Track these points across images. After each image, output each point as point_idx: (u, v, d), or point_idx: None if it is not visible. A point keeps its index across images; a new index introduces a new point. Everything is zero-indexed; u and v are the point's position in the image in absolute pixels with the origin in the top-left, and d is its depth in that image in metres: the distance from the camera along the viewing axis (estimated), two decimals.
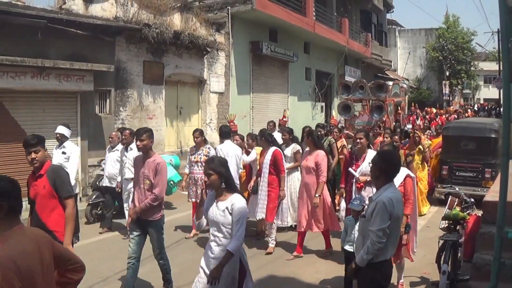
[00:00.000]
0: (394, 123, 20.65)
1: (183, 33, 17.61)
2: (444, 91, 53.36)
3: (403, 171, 7.65)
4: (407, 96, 53.48)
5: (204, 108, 20.06)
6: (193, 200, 11.34)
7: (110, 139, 12.10)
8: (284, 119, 17.51)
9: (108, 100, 15.66)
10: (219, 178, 5.51)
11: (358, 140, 8.99)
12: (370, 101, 19.54)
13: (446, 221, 8.09)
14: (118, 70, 15.79)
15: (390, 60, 47.20)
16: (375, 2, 39.24)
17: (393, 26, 55.68)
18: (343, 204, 9.79)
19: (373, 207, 5.39)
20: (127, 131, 11.44)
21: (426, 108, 39.85)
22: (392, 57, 51.78)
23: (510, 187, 5.01)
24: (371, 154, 8.59)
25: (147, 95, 17.03)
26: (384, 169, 5.55)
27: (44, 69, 12.96)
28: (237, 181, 10.04)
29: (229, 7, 20.74)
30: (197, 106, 19.98)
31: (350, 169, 8.97)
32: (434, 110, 36.07)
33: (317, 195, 9.56)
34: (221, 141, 11.35)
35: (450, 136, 15.25)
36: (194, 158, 11.33)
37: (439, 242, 7.92)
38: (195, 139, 11.34)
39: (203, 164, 10.83)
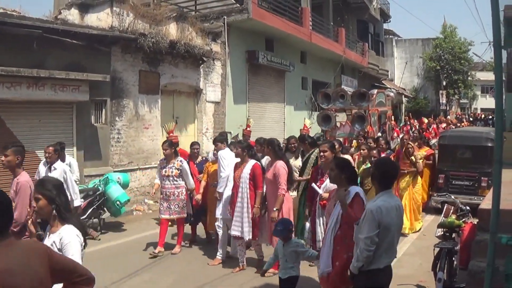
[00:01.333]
0: (380, 134, 18.90)
1: (179, 43, 17.63)
2: (441, 101, 53.50)
3: None
4: (403, 105, 53.92)
5: (200, 118, 20.05)
6: (164, 216, 10.78)
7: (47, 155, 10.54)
8: (248, 129, 16.55)
9: (104, 110, 15.65)
10: (49, 204, 4.45)
11: (322, 154, 8.22)
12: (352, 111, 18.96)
13: (442, 229, 8.16)
14: (114, 80, 15.78)
15: (387, 70, 47.37)
16: (372, 12, 39.33)
17: (390, 36, 55.82)
18: (307, 225, 8.87)
19: (364, 215, 5.46)
20: (51, 147, 10.44)
21: (418, 119, 39.67)
22: (389, 67, 51.92)
23: (504, 194, 5.04)
24: None
25: (143, 105, 17.02)
26: (377, 177, 5.63)
27: (39, 79, 12.97)
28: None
29: (225, 17, 20.76)
30: (193, 115, 19.98)
31: (313, 184, 8.32)
32: (426, 120, 35.47)
33: (275, 208, 8.99)
34: (218, 148, 10.71)
35: (446, 145, 15.32)
36: (165, 172, 10.76)
37: (434, 250, 7.98)
38: (164, 151, 10.79)
39: (175, 178, 10.76)
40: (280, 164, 9.16)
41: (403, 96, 51.94)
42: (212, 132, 20.43)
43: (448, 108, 56.04)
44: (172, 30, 17.96)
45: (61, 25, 13.82)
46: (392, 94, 23.80)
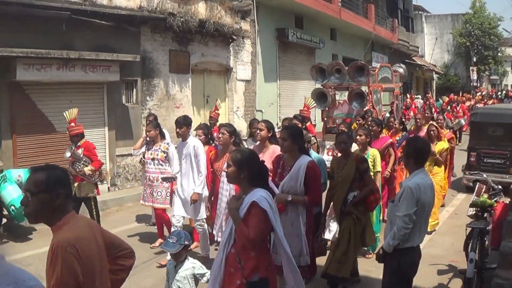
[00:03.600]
0: (388, 115, 16.18)
1: (208, 22, 17.22)
2: (472, 77, 52.46)
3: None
4: (433, 81, 52.89)
5: (231, 96, 19.68)
6: (147, 203, 9.68)
7: None
8: (215, 111, 13.93)
9: (134, 90, 15.41)
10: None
11: (281, 142, 6.64)
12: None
13: (474, 209, 7.84)
14: (144, 60, 15.51)
15: (417, 46, 46.41)
16: None
17: (420, 12, 54.64)
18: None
19: (401, 192, 5.38)
20: None
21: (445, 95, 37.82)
22: (419, 43, 50.81)
23: None
24: (304, 160, 6.36)
25: (173, 84, 16.73)
26: (411, 155, 5.50)
27: (69, 61, 12.74)
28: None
29: None
30: (224, 94, 19.60)
31: (270, 181, 6.31)
32: (446, 99, 33.26)
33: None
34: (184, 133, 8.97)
35: (478, 122, 14.78)
36: (151, 154, 9.47)
37: (466, 229, 7.73)
38: (147, 133, 9.50)
39: (160, 162, 9.25)
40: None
41: (433, 72, 51.02)
42: (243, 110, 20.11)
43: (478, 84, 54.91)
44: (201, 9, 17.55)
45: (90, 6, 13.53)
46: (401, 70, 19.51)
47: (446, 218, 11.86)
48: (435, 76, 53.40)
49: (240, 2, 19.91)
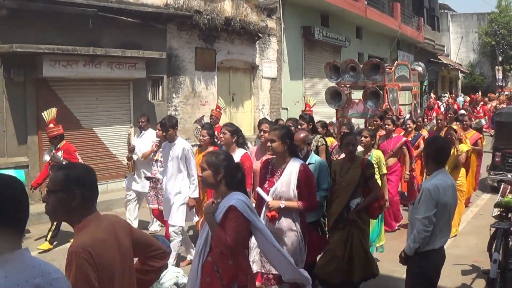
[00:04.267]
0: (408, 116, 14.86)
1: (234, 19, 17.06)
2: (497, 77, 51.71)
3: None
4: (459, 80, 52.27)
5: (257, 94, 19.47)
6: (152, 206, 9.47)
7: None
8: (217, 110, 13.48)
9: (160, 87, 15.32)
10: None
11: (269, 144, 5.94)
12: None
13: (498, 209, 7.64)
14: (170, 57, 15.41)
15: (443, 45, 45.83)
16: None
17: (445, 11, 54.01)
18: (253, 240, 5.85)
19: (420, 194, 5.24)
20: None
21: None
22: (445, 42, 50.14)
23: None
24: (295, 164, 5.78)
25: (199, 82, 16.59)
26: (431, 155, 5.34)
27: (96, 57, 12.68)
28: None
29: None
30: (250, 92, 19.42)
31: (258, 189, 6.02)
32: (468, 98, 32.28)
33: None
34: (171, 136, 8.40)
35: (503, 122, 14.49)
36: (155, 155, 9.35)
37: (490, 230, 7.55)
38: (164, 135, 8.67)
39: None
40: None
41: (459, 71, 50.41)
42: (269, 108, 19.89)
43: (504, 84, 54.11)
44: (227, 7, 17.38)
45: (116, 3, 13.46)
46: (419, 68, 18.15)
47: (470, 218, 11.67)
48: (460, 75, 52.75)
49: (266, 0, 19.72)
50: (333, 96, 14.77)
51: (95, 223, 3.15)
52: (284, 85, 20.86)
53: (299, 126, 8.73)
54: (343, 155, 7.69)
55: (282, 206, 5.65)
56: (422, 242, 5.11)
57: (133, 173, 10.04)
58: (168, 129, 8.25)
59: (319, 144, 8.49)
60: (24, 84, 11.93)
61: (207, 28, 16.18)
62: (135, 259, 3.53)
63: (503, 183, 8.56)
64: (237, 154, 7.36)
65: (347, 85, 15.16)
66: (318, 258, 6.71)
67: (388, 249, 8.83)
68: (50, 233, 9.27)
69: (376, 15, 27.21)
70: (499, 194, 8.12)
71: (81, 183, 3.12)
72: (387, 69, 14.79)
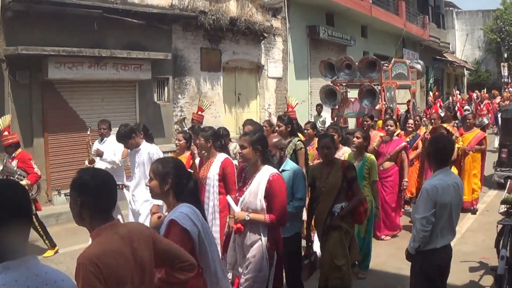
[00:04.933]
0: (403, 114, 14.89)
1: (239, 19, 16.97)
2: (503, 74, 51.45)
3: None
4: (464, 78, 52.01)
5: (262, 94, 19.38)
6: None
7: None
8: (199, 113, 12.72)
9: (166, 88, 15.25)
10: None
11: (239, 151, 5.79)
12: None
13: (505, 206, 7.53)
14: (176, 58, 15.33)
15: (448, 42, 45.62)
16: None
17: (450, 8, 53.75)
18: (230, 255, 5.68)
19: (420, 194, 5.24)
20: None
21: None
22: (450, 39, 49.91)
23: None
24: (265, 172, 5.25)
25: (205, 82, 16.51)
26: (432, 154, 5.37)
27: (101, 59, 12.61)
28: None
29: None
30: (255, 92, 19.33)
31: (228, 197, 5.75)
32: (466, 96, 31.13)
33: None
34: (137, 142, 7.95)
35: (509, 119, 14.36)
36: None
37: (497, 226, 7.49)
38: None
39: None
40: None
41: (464, 69, 50.21)
42: (275, 108, 19.77)
43: (510, 80, 53.85)
44: (232, 7, 17.29)
45: (121, 4, 13.39)
46: (418, 66, 17.36)
47: (477, 215, 11.60)
48: (466, 72, 52.52)
49: (271, 0, 19.65)
50: (328, 95, 14.43)
51: (108, 233, 3.02)
52: (289, 85, 20.77)
53: (276, 128, 8.30)
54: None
55: (247, 218, 5.15)
56: (422, 241, 5.10)
57: None
58: (125, 140, 7.92)
59: (297, 147, 8.01)
60: (30, 86, 11.89)
61: (212, 29, 16.10)
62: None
63: (509, 180, 8.53)
64: (217, 160, 7.03)
65: (343, 84, 14.75)
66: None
67: (397, 247, 8.93)
68: (45, 241, 9.04)
69: (381, 14, 27.11)
70: (505, 191, 8.07)
71: (82, 191, 3.01)
72: (384, 67, 14.40)
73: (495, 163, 14.21)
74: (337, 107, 14.54)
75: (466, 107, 23.29)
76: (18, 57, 11.33)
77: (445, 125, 11.45)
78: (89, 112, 12.94)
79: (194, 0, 15.73)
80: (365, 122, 10.96)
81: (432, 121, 12.08)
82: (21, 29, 11.53)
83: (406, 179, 9.67)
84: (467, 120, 12.67)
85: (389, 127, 9.95)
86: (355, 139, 8.04)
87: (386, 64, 14.89)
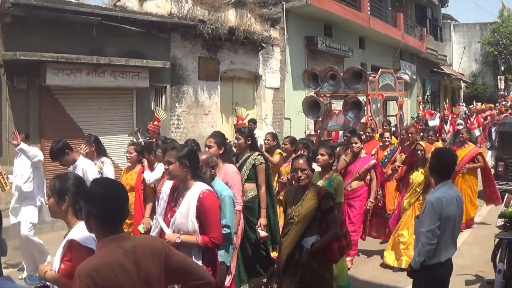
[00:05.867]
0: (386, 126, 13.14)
1: (238, 29, 17.04)
2: (499, 86, 51.59)
3: None
4: (461, 90, 52.11)
5: (260, 104, 19.39)
6: None
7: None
8: (155, 123, 11.63)
9: (164, 96, 15.27)
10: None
11: (165, 167, 5.21)
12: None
13: (503, 219, 7.60)
14: (174, 67, 15.37)
15: (445, 55, 45.76)
16: None
17: (448, 21, 53.92)
18: None
19: (424, 207, 5.25)
20: None
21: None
22: (448, 51, 50.05)
23: None
24: (196, 190, 4.81)
25: (202, 91, 16.54)
26: (435, 168, 5.35)
27: (99, 66, 12.63)
28: None
29: (284, 2, 19.99)
30: (253, 101, 19.34)
31: (159, 219, 5.13)
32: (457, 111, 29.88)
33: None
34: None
35: (506, 132, 14.43)
36: None
37: (495, 240, 7.60)
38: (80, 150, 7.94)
39: None
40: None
41: (461, 81, 50.33)
42: (271, 118, 19.82)
43: (506, 93, 53.99)
44: (231, 17, 17.35)
45: (120, 12, 13.46)
46: (406, 77, 16.88)
47: (473, 228, 11.59)
48: (463, 85, 52.64)
49: (269, 10, 19.71)
50: (311, 107, 13.55)
51: (112, 245, 2.99)
52: (287, 95, 20.79)
53: (235, 141, 7.49)
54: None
55: (178, 241, 4.70)
56: (427, 255, 5.07)
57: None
58: (59, 158, 7.52)
59: (257, 163, 7.15)
60: (27, 92, 11.88)
61: (210, 38, 16.13)
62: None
63: (507, 193, 8.54)
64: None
65: (327, 95, 13.92)
66: None
67: None
68: None
69: (379, 26, 27.14)
70: (503, 204, 8.10)
71: (88, 201, 3.04)
72: (370, 78, 13.73)
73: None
74: (320, 119, 13.71)
75: (459, 121, 23.07)
76: (16, 62, 11.34)
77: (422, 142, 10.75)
78: (86, 119, 12.97)
79: (193, 9, 15.77)
80: (345, 137, 10.36)
81: (409, 135, 10.75)
82: (19, 34, 11.54)
83: (371, 199, 8.83)
84: (461, 135, 11.83)
85: (354, 144, 8.89)
86: (319, 156, 7.10)
87: (373, 75, 14.28)
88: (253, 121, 14.26)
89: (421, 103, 30.12)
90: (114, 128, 13.54)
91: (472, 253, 9.64)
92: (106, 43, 13.24)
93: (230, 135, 17.67)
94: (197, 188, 4.78)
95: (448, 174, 5.33)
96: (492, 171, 13.67)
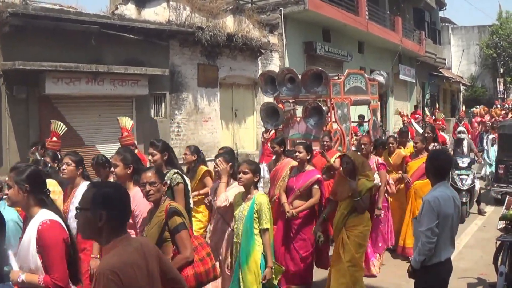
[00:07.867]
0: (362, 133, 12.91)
1: (236, 35, 17.11)
2: (498, 89, 51.61)
3: None
4: (460, 93, 52.10)
5: (259, 110, 19.36)
6: None
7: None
8: (54, 139, 10.14)
9: (163, 103, 15.33)
10: None
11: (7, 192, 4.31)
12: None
13: (504, 222, 7.60)
14: (173, 74, 15.43)
15: (444, 58, 45.80)
16: (428, 0, 38.08)
17: (446, 24, 53.97)
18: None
19: (422, 207, 5.27)
20: None
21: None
22: (446, 55, 50.10)
23: None
24: (37, 220, 3.98)
25: (202, 98, 16.60)
26: (431, 168, 5.42)
27: (98, 75, 12.68)
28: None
29: (282, 8, 20.07)
30: (252, 108, 19.39)
31: (9, 251, 4.22)
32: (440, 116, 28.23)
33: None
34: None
35: (506, 134, 14.32)
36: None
37: (496, 243, 7.61)
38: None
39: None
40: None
41: (460, 84, 50.34)
42: None
43: (505, 96, 54.01)
44: (229, 23, 17.41)
45: (118, 20, 13.53)
46: (380, 78, 14.33)
47: (474, 231, 11.58)
48: (462, 88, 52.65)
49: (267, 16, 19.77)
50: (270, 114, 11.91)
51: (124, 245, 3.10)
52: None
53: (150, 157, 6.45)
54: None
55: (19, 280, 3.92)
56: (427, 254, 5.11)
57: None
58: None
59: (174, 183, 5.93)
60: (27, 101, 11.93)
61: (209, 45, 16.20)
62: None
63: (508, 196, 8.61)
64: (81, 189, 5.79)
65: (290, 101, 12.14)
66: None
67: (394, 264, 9.00)
68: None
69: (378, 30, 27.20)
70: (503, 207, 8.12)
71: (107, 204, 3.09)
72: (335, 80, 11.93)
73: (492, 179, 14.29)
74: (281, 127, 12.03)
75: (461, 128, 21.71)
76: (15, 72, 11.36)
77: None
78: (86, 127, 13.01)
79: (191, 16, 15.83)
80: (324, 142, 9.56)
81: (362, 146, 9.21)
82: (18, 44, 11.58)
83: (379, 206, 8.22)
84: (415, 145, 10.08)
85: (298, 153, 7.73)
86: (241, 174, 5.99)
87: (336, 77, 12.46)
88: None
89: (415, 110, 29.49)
90: (114, 136, 13.50)
91: (473, 256, 9.64)
92: (105, 51, 13.28)
93: (229, 141, 17.74)
94: (39, 217, 4.00)
95: (444, 175, 5.42)
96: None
